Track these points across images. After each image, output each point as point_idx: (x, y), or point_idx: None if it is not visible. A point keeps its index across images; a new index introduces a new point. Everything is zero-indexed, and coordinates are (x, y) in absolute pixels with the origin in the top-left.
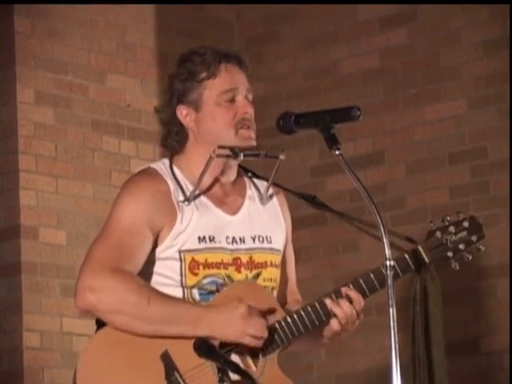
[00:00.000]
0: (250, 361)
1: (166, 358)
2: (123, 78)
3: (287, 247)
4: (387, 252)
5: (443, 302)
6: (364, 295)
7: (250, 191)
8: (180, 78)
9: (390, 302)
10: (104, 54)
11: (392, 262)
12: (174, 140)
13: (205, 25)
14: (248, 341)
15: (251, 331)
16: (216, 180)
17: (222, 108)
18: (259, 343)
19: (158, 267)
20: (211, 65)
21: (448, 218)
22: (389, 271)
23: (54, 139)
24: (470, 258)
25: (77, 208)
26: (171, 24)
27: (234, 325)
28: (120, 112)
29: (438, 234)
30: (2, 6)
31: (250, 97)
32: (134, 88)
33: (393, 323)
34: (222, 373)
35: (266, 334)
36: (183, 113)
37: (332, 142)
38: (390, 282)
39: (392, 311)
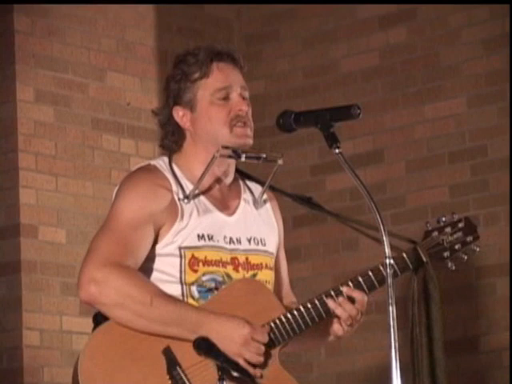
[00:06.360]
0: None
1: (168, 353)
2: (123, 76)
3: (279, 251)
4: (387, 250)
5: (442, 300)
6: (364, 294)
7: (245, 194)
8: (175, 79)
9: (390, 301)
10: (104, 52)
11: (391, 261)
12: (171, 141)
13: (204, 23)
14: (242, 362)
15: (247, 356)
16: (215, 181)
17: (216, 106)
18: (251, 370)
19: (158, 263)
20: (203, 64)
21: (443, 219)
22: (388, 269)
23: (53, 137)
24: (466, 258)
25: (76, 206)
26: (171, 22)
27: (233, 344)
28: (120, 110)
29: (435, 234)
30: (2, 4)
31: (246, 94)
32: (134, 86)
33: (392, 322)
34: (223, 371)
35: (261, 360)
36: (179, 114)
37: (332, 140)
38: (389, 280)
39: (392, 310)
